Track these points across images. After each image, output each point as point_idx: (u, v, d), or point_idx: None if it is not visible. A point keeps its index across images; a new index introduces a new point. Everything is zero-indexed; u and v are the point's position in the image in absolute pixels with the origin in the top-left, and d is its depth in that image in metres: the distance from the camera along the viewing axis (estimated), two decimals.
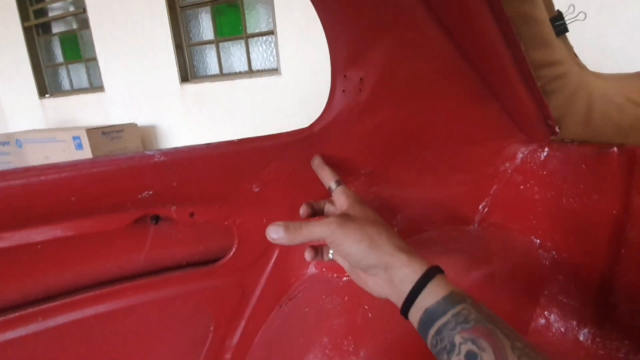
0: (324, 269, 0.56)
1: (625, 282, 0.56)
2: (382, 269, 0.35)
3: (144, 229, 0.44)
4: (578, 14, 0.47)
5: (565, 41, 0.51)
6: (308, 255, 0.42)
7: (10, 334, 0.40)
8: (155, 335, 0.49)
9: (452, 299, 0.31)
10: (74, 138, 2.11)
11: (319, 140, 0.48)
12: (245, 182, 0.46)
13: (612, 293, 0.58)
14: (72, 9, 3.06)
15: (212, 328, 0.52)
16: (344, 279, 0.54)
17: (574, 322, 0.62)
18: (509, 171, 0.64)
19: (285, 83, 2.45)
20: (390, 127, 0.51)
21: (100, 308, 0.44)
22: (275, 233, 0.37)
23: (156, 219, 0.44)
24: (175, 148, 0.39)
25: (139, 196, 0.39)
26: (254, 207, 0.49)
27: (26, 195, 0.34)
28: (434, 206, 0.60)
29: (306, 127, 0.48)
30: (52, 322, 0.41)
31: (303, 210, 0.43)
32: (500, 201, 0.63)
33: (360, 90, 0.47)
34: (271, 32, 2.50)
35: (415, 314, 0.33)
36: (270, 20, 2.47)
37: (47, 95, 3.34)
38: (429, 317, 0.31)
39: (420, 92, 0.50)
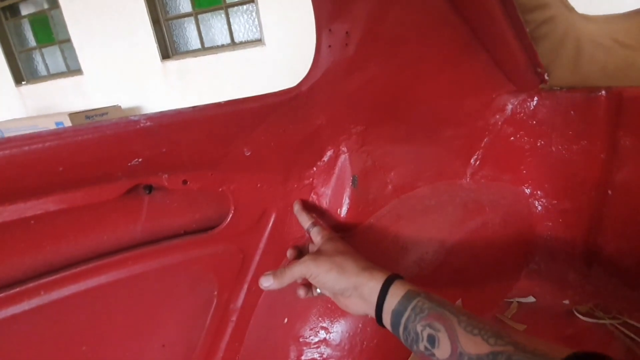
0: (320, 222, 0.57)
1: (612, 223, 0.58)
2: (353, 289, 0.41)
3: (137, 200, 0.44)
4: None
5: None
6: (301, 292, 0.48)
7: (12, 309, 0.40)
8: (160, 303, 0.50)
9: (409, 296, 0.37)
10: (57, 124, 2.05)
11: (308, 100, 0.47)
12: (236, 146, 0.45)
13: (600, 234, 0.60)
14: None
15: (215, 293, 0.53)
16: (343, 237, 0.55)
17: (564, 265, 0.64)
18: (499, 123, 0.64)
19: (270, 53, 2.38)
20: (379, 82, 0.50)
21: (102, 279, 0.45)
22: (267, 282, 0.45)
23: (149, 188, 0.44)
24: (162, 112, 0.38)
25: (128, 164, 0.39)
26: (247, 172, 0.49)
27: (11, 167, 0.34)
28: (426, 162, 0.60)
29: (294, 87, 0.47)
30: (55, 295, 0.42)
31: (290, 253, 0.51)
32: (492, 153, 0.64)
33: (346, 44, 0.46)
34: (252, 1, 2.40)
35: (387, 319, 0.39)
36: None
37: (23, 83, 3.22)
38: (396, 317, 0.37)
39: (408, 44, 0.49)
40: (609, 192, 0.57)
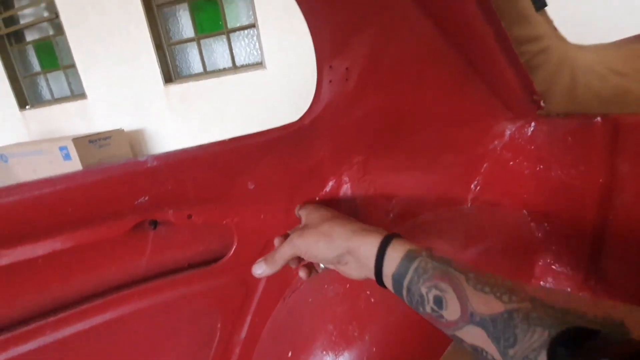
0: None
1: (615, 247, 0.58)
2: (348, 255, 0.39)
3: (143, 235, 0.45)
4: None
5: (545, 15, 0.52)
6: (302, 274, 0.47)
7: (20, 349, 0.40)
8: (164, 337, 0.50)
9: (409, 257, 0.34)
10: (61, 149, 2.08)
11: (310, 133, 0.48)
12: (240, 180, 0.47)
13: (602, 258, 0.60)
14: (46, 14, 2.98)
15: (219, 325, 0.53)
16: None
17: (568, 289, 0.64)
18: (498, 149, 0.65)
19: (271, 76, 2.43)
20: (379, 114, 0.51)
21: (108, 315, 0.45)
22: (259, 269, 0.44)
23: (154, 223, 0.45)
24: (168, 152, 0.39)
25: (135, 202, 0.40)
26: (250, 205, 0.49)
27: (22, 211, 0.35)
28: (428, 189, 0.61)
29: (296, 121, 0.48)
30: (61, 334, 0.42)
31: (277, 241, 0.48)
32: (492, 179, 0.65)
33: (347, 79, 0.48)
34: (252, 26, 2.47)
35: (387, 282, 0.36)
36: (251, 13, 2.44)
37: (27, 107, 3.27)
38: (397, 280, 0.35)
39: (407, 76, 0.50)
40: (610, 216, 0.58)
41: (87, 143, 2.14)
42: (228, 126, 2.63)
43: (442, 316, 0.31)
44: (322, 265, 0.46)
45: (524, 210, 0.68)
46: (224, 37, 2.62)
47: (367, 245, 0.37)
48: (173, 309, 0.50)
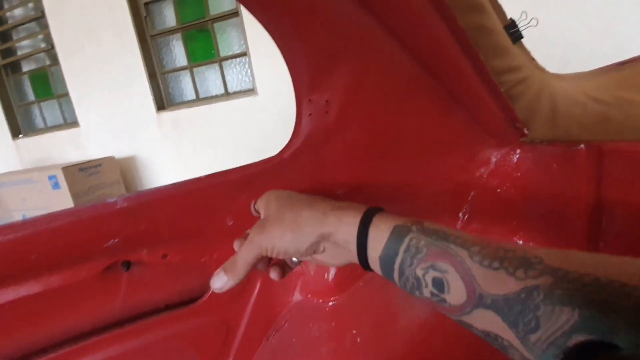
0: (309, 295, 0.55)
1: None
2: (324, 242, 0.33)
3: (116, 277, 0.43)
4: (530, 20, 0.49)
5: (522, 47, 0.52)
6: (274, 274, 0.39)
7: None
8: None
9: (397, 235, 0.29)
10: (50, 177, 2.06)
11: (290, 166, 0.47)
12: (218, 216, 0.45)
13: None
14: (43, 45, 3.03)
15: None
16: (330, 303, 0.53)
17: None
18: (485, 176, 0.65)
19: (262, 102, 2.46)
20: (360, 146, 0.51)
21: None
22: (219, 280, 0.35)
23: (127, 264, 0.43)
24: (139, 191, 0.38)
25: (105, 245, 0.38)
26: (229, 240, 0.48)
27: None
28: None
29: (276, 155, 0.47)
30: None
31: (236, 243, 0.39)
32: (480, 207, 0.64)
33: (327, 112, 0.47)
34: (244, 54, 2.52)
35: (375, 266, 0.31)
36: (243, 42, 2.50)
37: (20, 136, 3.27)
38: (386, 264, 0.30)
39: (387, 108, 0.50)
40: (601, 243, 0.57)
41: (76, 171, 2.12)
42: (220, 151, 2.63)
43: (444, 300, 0.27)
44: (295, 260, 0.40)
45: (515, 237, 0.66)
46: (216, 65, 2.67)
47: (344, 227, 0.31)
48: (150, 354, 0.47)
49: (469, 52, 0.47)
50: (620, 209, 0.54)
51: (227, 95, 2.66)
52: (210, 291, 0.49)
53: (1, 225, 0.33)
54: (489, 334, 0.25)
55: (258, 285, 0.53)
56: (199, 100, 2.73)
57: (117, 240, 0.38)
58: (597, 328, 0.20)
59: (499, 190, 0.65)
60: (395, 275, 0.29)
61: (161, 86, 2.76)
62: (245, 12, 2.36)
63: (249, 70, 2.56)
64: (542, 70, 0.56)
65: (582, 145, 0.55)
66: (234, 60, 2.63)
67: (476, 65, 0.49)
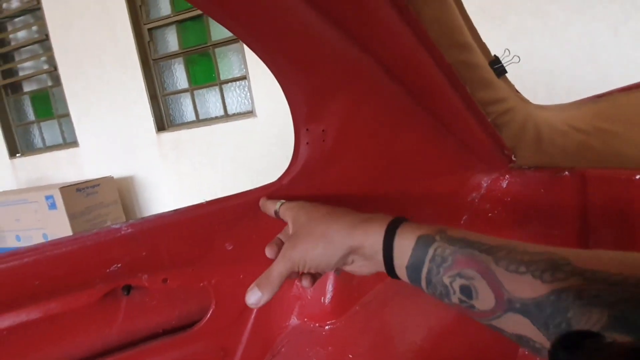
0: (305, 319, 0.55)
1: None
2: (353, 254, 0.34)
3: (115, 302, 0.43)
4: (513, 57, 0.52)
5: (506, 81, 0.55)
6: (305, 282, 0.40)
7: None
8: None
9: (422, 245, 0.30)
10: (47, 197, 2.05)
11: (288, 193, 0.49)
12: (218, 242, 0.46)
13: None
14: (45, 67, 3.08)
15: None
16: (327, 327, 0.54)
17: None
18: (476, 200, 0.67)
19: (261, 124, 2.50)
20: (356, 172, 0.53)
21: None
22: (254, 296, 0.36)
23: (128, 289, 0.43)
24: (143, 218, 0.39)
25: (107, 270, 0.39)
26: (229, 265, 0.49)
27: None
28: None
29: (275, 181, 0.49)
30: None
31: (269, 251, 0.41)
32: (472, 230, 0.65)
33: (324, 140, 0.49)
34: (244, 77, 2.58)
35: (402, 274, 0.32)
36: (243, 66, 2.56)
37: (17, 155, 3.27)
38: (413, 273, 0.30)
39: (381, 137, 0.53)
40: None
41: (74, 191, 2.12)
42: (219, 171, 2.64)
43: (473, 306, 0.27)
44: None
45: None
46: (216, 88, 2.72)
47: (371, 239, 0.32)
48: None
49: (457, 86, 0.49)
50: (605, 231, 0.56)
51: (226, 116, 2.70)
52: (208, 316, 0.49)
53: (7, 252, 0.34)
54: (520, 337, 0.25)
55: (255, 310, 0.53)
56: (199, 121, 2.77)
57: (119, 265, 0.39)
58: (628, 327, 0.20)
59: (490, 214, 0.67)
60: (423, 284, 0.30)
61: (162, 108, 2.80)
62: None
63: (248, 93, 2.61)
64: (525, 101, 0.59)
65: (566, 172, 0.58)
66: (234, 83, 2.69)
67: (464, 98, 0.51)
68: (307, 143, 0.49)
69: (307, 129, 0.49)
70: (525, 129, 0.59)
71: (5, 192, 2.51)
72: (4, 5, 3.07)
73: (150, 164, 2.77)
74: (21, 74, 3.22)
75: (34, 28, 3.08)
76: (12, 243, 2.30)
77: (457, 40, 0.45)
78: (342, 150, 0.51)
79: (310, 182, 0.50)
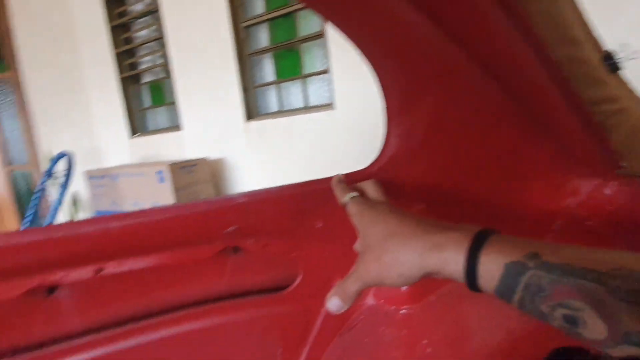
0: (382, 301, 0.58)
1: None
2: (432, 273, 0.31)
3: (226, 258, 0.51)
4: (631, 53, 0.47)
5: (620, 79, 0.50)
6: None
7: (117, 345, 0.47)
8: (232, 354, 0.54)
9: (511, 274, 0.26)
10: (157, 172, 2.39)
11: (376, 180, 0.51)
12: (309, 219, 0.51)
13: None
14: (160, 61, 3.55)
15: (280, 351, 0.56)
16: (402, 311, 0.56)
17: None
18: (573, 207, 0.62)
19: (339, 117, 2.55)
20: (443, 167, 0.53)
21: (188, 326, 0.51)
22: (335, 305, 0.36)
23: (236, 249, 0.51)
24: (253, 191, 0.46)
25: (225, 231, 0.46)
26: (317, 242, 0.53)
27: (137, 231, 0.43)
28: None
29: (364, 168, 0.52)
30: (152, 336, 0.49)
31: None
32: (565, 237, 0.60)
33: (412, 135, 0.51)
34: (326, 72, 2.65)
35: (489, 293, 0.28)
36: (326, 60, 2.64)
37: (135, 135, 3.84)
38: (502, 296, 0.27)
39: (471, 133, 0.52)
40: None
41: (178, 169, 2.43)
42: (296, 159, 2.79)
43: (579, 333, 0.24)
44: None
45: None
46: (300, 81, 2.85)
47: (450, 266, 0.29)
48: (242, 328, 0.54)
49: (561, 83, 0.46)
50: None
51: (307, 108, 2.82)
52: (296, 283, 0.55)
53: (154, 208, 0.43)
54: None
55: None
56: (281, 112, 2.94)
57: (234, 227, 0.46)
58: None
59: (588, 222, 0.61)
60: (513, 305, 0.27)
61: (250, 99, 3.03)
62: (329, 33, 2.49)
63: (329, 87, 2.68)
64: None
65: None
66: (316, 77, 2.78)
67: (568, 96, 0.48)
68: (398, 135, 0.51)
69: (398, 121, 0.51)
70: (638, 132, 0.53)
71: (126, 166, 2.99)
72: (129, 8, 3.59)
73: (238, 149, 3.04)
74: (141, 67, 3.77)
75: (153, 28, 3.56)
76: (130, 208, 2.75)
77: (565, 34, 0.42)
78: (432, 145, 0.52)
79: (396, 174, 0.52)
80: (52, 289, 0.42)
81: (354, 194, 0.42)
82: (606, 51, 0.47)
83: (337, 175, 0.47)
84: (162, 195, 2.45)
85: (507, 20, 0.38)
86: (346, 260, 0.55)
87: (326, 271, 0.55)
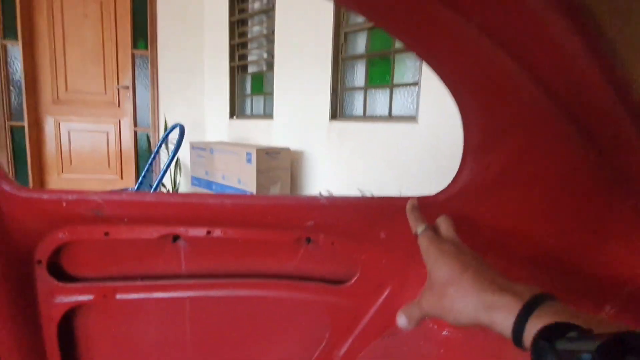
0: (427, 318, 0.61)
1: None
2: (480, 324, 0.34)
3: (299, 245, 0.60)
4: None
5: None
6: None
7: (208, 292, 0.59)
8: (287, 326, 0.64)
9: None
10: (247, 154, 2.65)
11: (441, 208, 0.55)
12: (375, 229, 0.57)
13: None
14: (265, 56, 3.88)
15: (327, 335, 0.64)
16: (444, 333, 0.59)
17: None
18: None
19: (421, 130, 2.52)
20: (511, 210, 0.54)
21: (261, 292, 0.61)
22: (403, 322, 0.42)
23: (308, 240, 0.59)
24: (334, 196, 0.53)
25: (305, 224, 0.55)
26: (377, 250, 0.59)
27: (242, 209, 0.53)
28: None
29: (432, 195, 0.56)
30: (235, 292, 0.60)
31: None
32: (634, 305, 0.56)
33: (487, 171, 0.53)
34: (415, 84, 2.63)
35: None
36: (417, 73, 2.61)
37: (234, 117, 4.27)
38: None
39: (547, 182, 0.52)
40: None
41: (264, 154, 2.67)
42: (371, 166, 2.83)
43: None
44: None
45: None
46: (387, 90, 2.87)
47: (498, 327, 0.32)
48: (300, 307, 0.63)
49: None
50: None
51: (390, 117, 2.83)
52: (353, 281, 0.61)
53: (253, 195, 0.53)
54: None
55: (387, 292, 0.63)
56: (365, 117, 3.00)
57: (312, 222, 0.54)
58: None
59: None
60: None
61: (338, 100, 3.15)
62: None
63: (415, 100, 2.65)
64: None
65: None
66: (404, 87, 2.77)
67: None
68: (471, 169, 0.54)
69: (475, 156, 0.53)
70: None
71: (222, 143, 3.36)
72: (249, 5, 3.97)
73: (318, 144, 3.19)
74: (249, 59, 4.16)
75: (265, 25, 3.90)
76: (218, 179, 3.11)
77: None
78: (503, 186, 0.53)
79: (462, 206, 0.55)
80: (175, 238, 0.55)
81: (425, 226, 0.45)
82: None
83: (412, 200, 0.51)
84: (247, 174, 2.71)
85: (606, 83, 0.38)
86: (399, 272, 0.60)
87: (381, 277, 0.61)
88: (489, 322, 0.33)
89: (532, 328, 0.29)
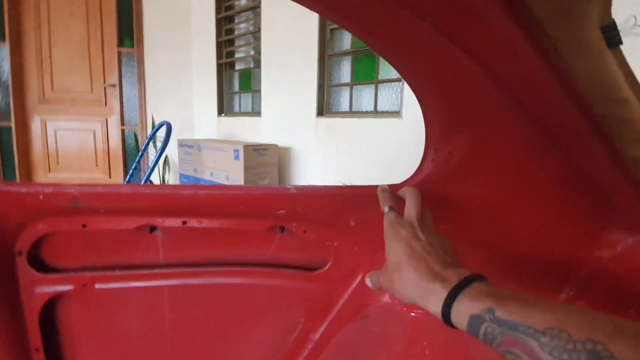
0: (397, 301, 0.64)
1: None
2: (418, 302, 0.39)
3: (273, 234, 0.62)
4: None
5: None
6: None
7: (185, 280, 0.60)
8: (263, 312, 0.65)
9: (474, 324, 0.32)
10: (234, 150, 2.65)
11: None
12: (346, 216, 0.59)
13: None
14: (252, 53, 3.86)
15: (302, 320, 0.66)
16: (412, 314, 0.61)
17: None
18: (606, 258, 0.60)
19: (405, 125, 2.55)
20: (471, 199, 0.56)
21: (237, 279, 0.63)
22: (369, 284, 0.48)
23: (282, 229, 0.61)
24: (304, 185, 0.55)
25: (276, 212, 0.56)
26: (348, 236, 0.61)
27: (216, 199, 0.54)
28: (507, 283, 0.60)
29: (398, 184, 0.58)
30: (211, 280, 0.61)
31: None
32: (592, 288, 0.59)
33: (447, 161, 0.55)
34: (399, 80, 2.65)
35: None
36: None
37: (222, 115, 4.24)
38: (472, 335, 0.33)
39: (505, 172, 0.54)
40: None
41: (251, 150, 2.67)
42: (357, 161, 2.85)
43: None
44: None
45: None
46: (373, 86, 2.89)
47: (430, 308, 0.37)
48: (275, 293, 0.65)
49: (604, 140, 0.46)
50: None
51: (375, 113, 2.85)
52: (326, 268, 0.63)
53: (228, 185, 0.54)
54: None
55: (359, 279, 0.65)
56: (351, 113, 3.02)
57: (284, 211, 0.56)
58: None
59: (620, 278, 0.59)
60: (482, 341, 0.33)
61: (324, 96, 3.16)
62: None
63: (399, 95, 2.68)
64: None
65: None
66: (389, 84, 2.80)
67: (611, 152, 0.48)
68: (433, 160, 0.56)
69: (435, 148, 0.55)
70: None
71: (210, 140, 3.34)
72: (235, 2, 3.94)
73: (306, 140, 3.21)
74: (236, 56, 4.13)
75: (251, 22, 3.87)
76: (207, 176, 3.09)
77: (611, 95, 0.43)
78: (464, 175, 0.55)
79: (426, 194, 0.57)
80: (152, 229, 0.56)
81: (389, 207, 0.48)
82: None
83: (382, 185, 0.54)
84: (234, 171, 2.71)
85: (551, 76, 0.40)
86: (370, 256, 0.62)
87: (352, 262, 0.63)
88: (425, 307, 0.38)
89: (456, 314, 0.34)
